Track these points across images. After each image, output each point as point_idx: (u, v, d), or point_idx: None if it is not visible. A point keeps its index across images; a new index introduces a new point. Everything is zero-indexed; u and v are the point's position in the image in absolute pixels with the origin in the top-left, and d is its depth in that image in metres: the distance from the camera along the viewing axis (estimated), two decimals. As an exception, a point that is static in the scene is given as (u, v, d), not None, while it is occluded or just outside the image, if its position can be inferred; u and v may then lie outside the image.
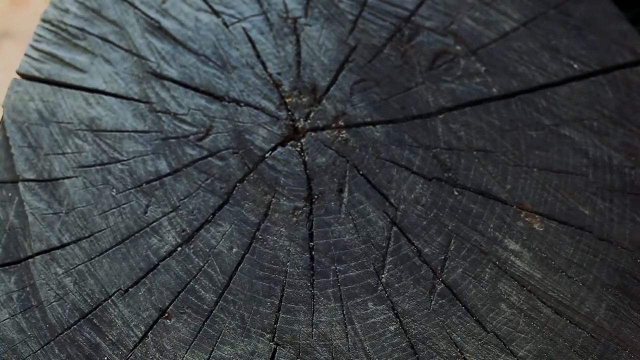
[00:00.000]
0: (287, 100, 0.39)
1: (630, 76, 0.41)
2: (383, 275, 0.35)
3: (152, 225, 0.36)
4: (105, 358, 0.33)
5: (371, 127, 0.39)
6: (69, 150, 0.38)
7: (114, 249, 0.36)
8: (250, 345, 0.34)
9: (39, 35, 0.41)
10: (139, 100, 0.39)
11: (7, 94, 0.40)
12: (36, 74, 0.40)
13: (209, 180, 0.38)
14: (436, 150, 0.38)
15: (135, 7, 0.42)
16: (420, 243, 0.36)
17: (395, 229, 0.36)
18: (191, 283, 0.35)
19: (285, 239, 0.36)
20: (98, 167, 0.38)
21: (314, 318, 0.34)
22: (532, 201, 0.37)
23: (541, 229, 0.36)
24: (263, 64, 0.40)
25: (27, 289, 0.35)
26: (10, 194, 0.37)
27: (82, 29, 0.41)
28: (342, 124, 0.39)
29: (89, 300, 0.35)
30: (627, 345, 0.34)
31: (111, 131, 0.39)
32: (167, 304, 0.35)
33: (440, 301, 0.35)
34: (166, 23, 0.42)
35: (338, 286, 0.35)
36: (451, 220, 0.36)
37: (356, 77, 0.40)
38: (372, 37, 0.41)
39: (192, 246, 0.36)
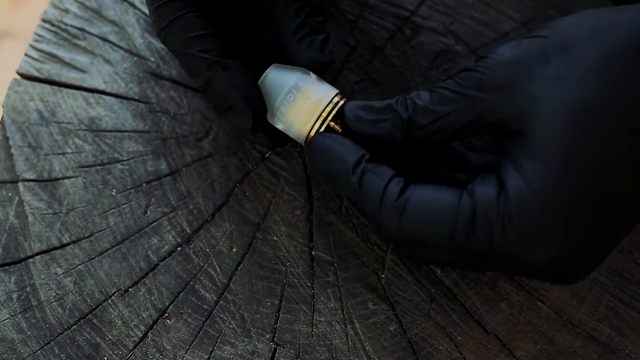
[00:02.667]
0: (287, 100, 0.39)
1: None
2: (383, 275, 0.35)
3: (152, 225, 0.36)
4: (105, 358, 0.33)
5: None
6: (69, 150, 0.38)
7: (114, 249, 0.36)
8: (251, 345, 0.34)
9: (39, 35, 0.41)
10: (139, 100, 0.40)
11: (7, 94, 0.39)
12: (36, 74, 0.40)
13: (208, 181, 0.38)
14: (436, 150, 0.38)
15: (135, 7, 0.42)
16: (420, 243, 0.36)
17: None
18: (191, 283, 0.35)
19: (285, 239, 0.36)
20: (98, 167, 0.38)
21: (314, 318, 0.34)
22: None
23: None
24: (263, 64, 0.40)
25: (27, 289, 0.35)
26: (10, 194, 0.37)
27: (82, 29, 0.41)
28: (342, 124, 0.39)
29: (89, 300, 0.35)
30: (626, 345, 0.34)
31: (111, 131, 0.39)
32: (167, 304, 0.35)
33: (440, 301, 0.35)
34: (166, 23, 0.42)
35: (338, 286, 0.35)
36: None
37: (356, 77, 0.40)
38: (372, 37, 0.41)
39: (192, 246, 0.36)
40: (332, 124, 0.32)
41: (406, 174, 0.30)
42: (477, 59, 0.29)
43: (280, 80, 0.33)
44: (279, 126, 0.33)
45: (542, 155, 0.26)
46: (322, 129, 0.32)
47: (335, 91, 0.32)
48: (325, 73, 0.33)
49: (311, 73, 0.33)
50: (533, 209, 0.26)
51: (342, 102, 0.32)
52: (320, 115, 0.32)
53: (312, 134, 0.32)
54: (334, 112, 0.32)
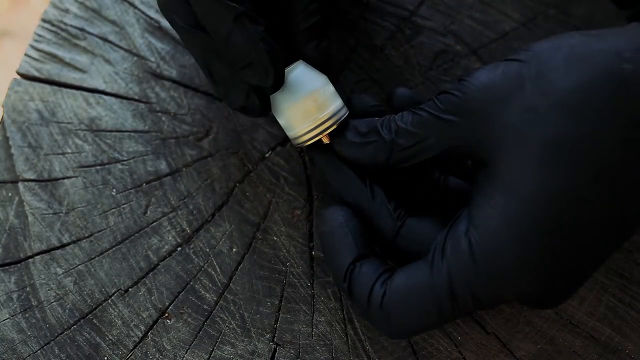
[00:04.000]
0: (287, 100, 0.39)
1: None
2: (383, 275, 0.35)
3: (152, 225, 0.36)
4: (105, 358, 0.33)
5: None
6: (69, 150, 0.38)
7: (114, 249, 0.36)
8: (251, 345, 0.34)
9: (39, 35, 0.41)
10: (139, 100, 0.40)
11: (7, 94, 0.40)
12: (36, 74, 0.40)
13: (208, 180, 0.38)
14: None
15: (135, 7, 0.42)
16: (420, 243, 0.36)
17: (395, 228, 0.36)
18: (191, 283, 0.35)
19: (286, 239, 0.36)
20: (98, 167, 0.38)
21: (314, 318, 0.34)
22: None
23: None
24: (263, 64, 0.40)
25: (27, 289, 0.35)
26: (10, 194, 0.37)
27: (82, 29, 0.41)
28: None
29: (89, 300, 0.35)
30: (626, 345, 0.34)
31: (111, 131, 0.39)
32: (167, 304, 0.35)
33: (440, 301, 0.35)
34: (166, 23, 0.42)
35: (338, 286, 0.35)
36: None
37: (356, 77, 0.40)
38: (372, 37, 0.41)
39: (192, 246, 0.36)
40: (325, 136, 0.32)
41: (403, 201, 0.30)
42: (458, 80, 0.29)
43: (304, 79, 0.32)
44: (282, 121, 0.33)
45: (511, 189, 0.26)
46: (317, 138, 0.32)
47: (346, 110, 0.33)
48: (327, 74, 0.33)
49: (331, 84, 0.33)
50: (506, 253, 0.26)
51: (343, 119, 0.32)
52: (319, 125, 0.31)
53: (304, 138, 0.32)
54: (333, 127, 0.32)
